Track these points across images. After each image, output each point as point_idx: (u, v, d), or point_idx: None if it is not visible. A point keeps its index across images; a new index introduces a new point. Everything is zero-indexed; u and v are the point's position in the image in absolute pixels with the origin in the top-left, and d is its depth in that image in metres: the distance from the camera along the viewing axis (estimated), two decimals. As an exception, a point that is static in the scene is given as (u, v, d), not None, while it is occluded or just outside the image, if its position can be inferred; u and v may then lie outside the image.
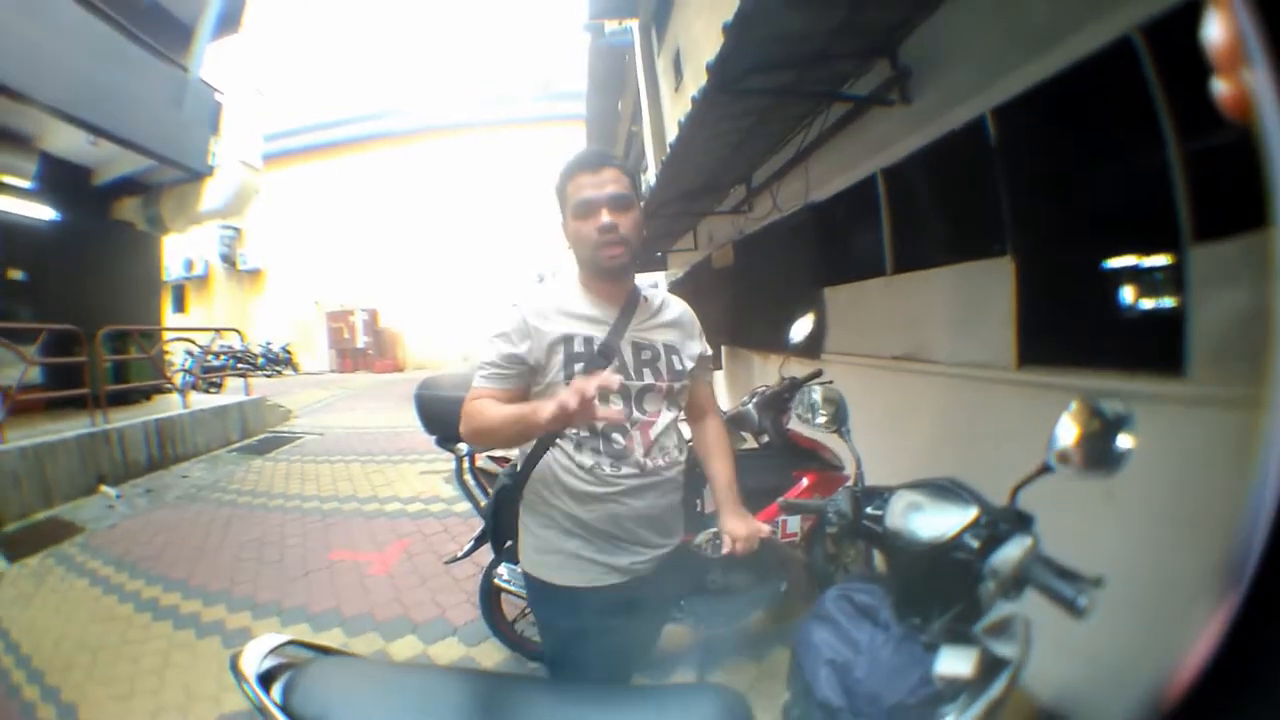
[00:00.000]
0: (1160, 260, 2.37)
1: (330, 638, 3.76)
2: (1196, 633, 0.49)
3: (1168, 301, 2.31)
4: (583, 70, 17.38)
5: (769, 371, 6.34)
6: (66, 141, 8.22)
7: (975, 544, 1.19)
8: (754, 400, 3.31)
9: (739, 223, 7.23)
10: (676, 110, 11.70)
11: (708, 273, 9.34)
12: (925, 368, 3.62)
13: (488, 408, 1.71)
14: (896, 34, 3.47)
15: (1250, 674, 0.49)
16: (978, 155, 3.11)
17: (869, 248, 4.34)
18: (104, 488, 7.15)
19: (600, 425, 1.67)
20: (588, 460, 1.71)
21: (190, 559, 5.19)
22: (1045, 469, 1.20)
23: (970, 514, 1.24)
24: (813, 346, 3.22)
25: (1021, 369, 2.91)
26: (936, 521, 1.28)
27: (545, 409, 1.51)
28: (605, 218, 1.67)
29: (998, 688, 1.17)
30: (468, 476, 3.36)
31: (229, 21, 10.38)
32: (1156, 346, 2.20)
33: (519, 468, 1.86)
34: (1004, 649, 1.18)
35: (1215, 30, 0.44)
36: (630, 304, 1.81)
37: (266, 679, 1.40)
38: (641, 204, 1.80)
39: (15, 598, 4.57)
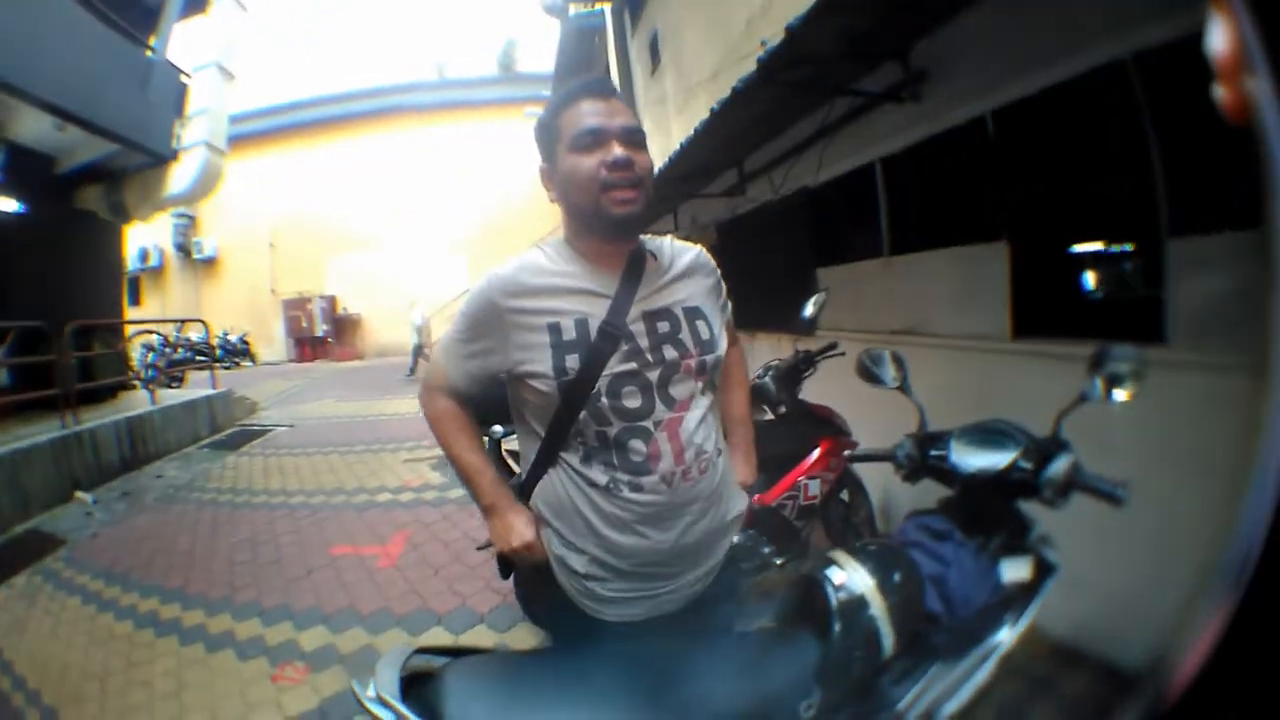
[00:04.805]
0: (1140, 248, 2.84)
1: (352, 638, 3.70)
2: (1196, 631, 0.50)
3: (1145, 283, 2.76)
4: (540, 52, 17.36)
5: (757, 349, 6.63)
6: (32, 129, 7.98)
7: (1030, 466, 1.50)
8: (769, 374, 3.50)
9: (728, 204, 7.47)
10: (650, 94, 11.91)
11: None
12: (925, 340, 3.92)
13: (458, 440, 1.59)
14: (909, 40, 3.79)
15: (1250, 673, 0.51)
16: (979, 151, 3.48)
17: (866, 231, 4.64)
18: (79, 494, 7.01)
19: (614, 432, 1.39)
20: (600, 477, 1.41)
21: (183, 565, 5.05)
22: (1081, 399, 1.55)
23: (1020, 445, 1.59)
24: (809, 324, 3.47)
25: (1017, 340, 3.29)
26: (992, 455, 1.61)
27: (495, 513, 1.53)
28: (618, 149, 1.35)
29: (1042, 597, 1.50)
30: (506, 457, 3.30)
31: (196, 1, 10.20)
32: (1139, 320, 2.65)
33: (523, 478, 1.58)
34: (1051, 555, 1.59)
35: (1218, 38, 0.47)
36: (635, 266, 1.47)
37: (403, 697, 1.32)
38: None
39: (11, 624, 4.33)
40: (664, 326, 1.43)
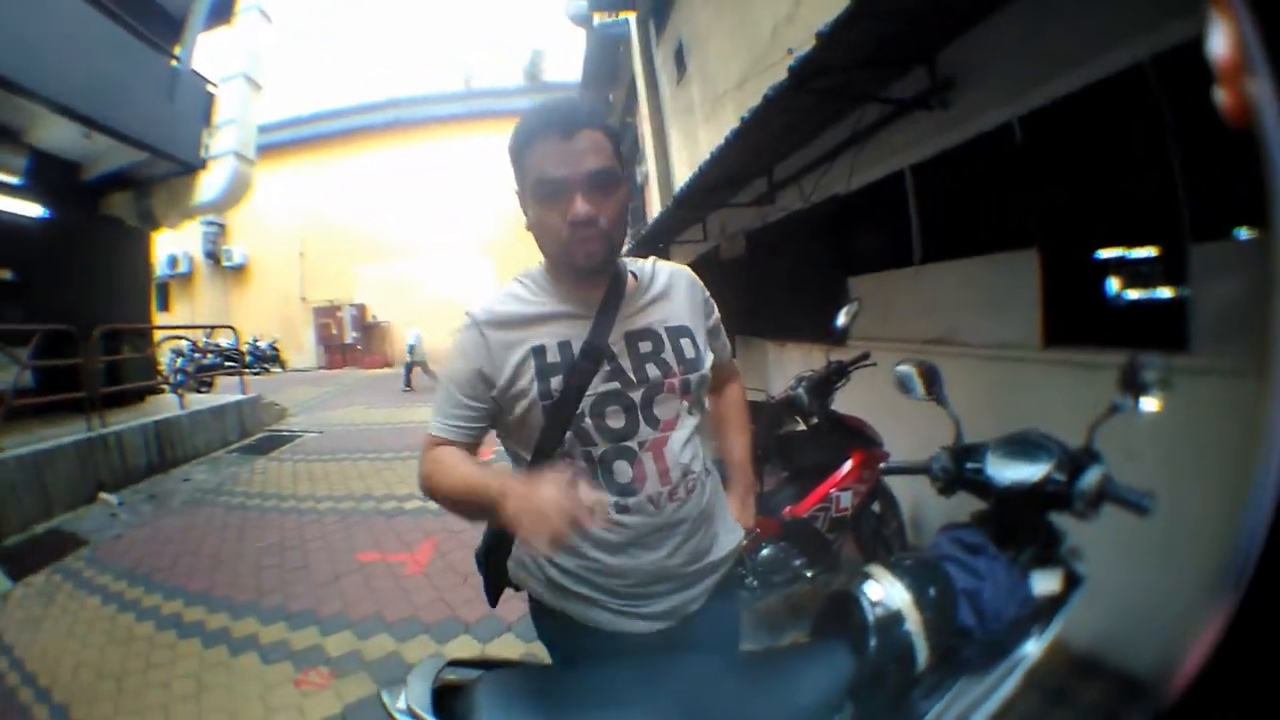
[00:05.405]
0: (1172, 253, 2.73)
1: (378, 644, 3.69)
2: (1196, 632, 0.49)
3: (1171, 290, 2.76)
4: (567, 62, 17.50)
5: (785, 358, 6.61)
6: (58, 135, 8.21)
7: (1062, 477, 1.49)
8: (802, 385, 3.46)
9: (757, 213, 7.47)
10: (677, 102, 11.97)
11: (716, 263, 9.56)
12: (957, 350, 3.88)
13: (445, 464, 1.39)
14: (935, 46, 3.80)
15: (1250, 673, 0.51)
16: (1008, 157, 3.47)
17: (896, 239, 4.63)
18: (104, 495, 7.09)
19: (599, 452, 1.38)
20: (586, 498, 1.27)
21: (208, 568, 5.06)
22: (1113, 409, 1.57)
23: (1054, 457, 1.59)
24: (842, 334, 3.46)
25: (1048, 349, 3.25)
26: (1027, 467, 1.61)
27: (511, 494, 1.13)
28: (580, 206, 1.28)
29: (1069, 609, 1.49)
30: None
31: (220, 12, 10.40)
32: (1165, 327, 2.61)
33: None
34: (1080, 567, 1.61)
35: (1219, 42, 0.47)
36: (616, 287, 1.46)
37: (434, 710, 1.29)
38: (626, 174, 1.42)
39: (25, 621, 4.36)
40: (646, 346, 1.43)
